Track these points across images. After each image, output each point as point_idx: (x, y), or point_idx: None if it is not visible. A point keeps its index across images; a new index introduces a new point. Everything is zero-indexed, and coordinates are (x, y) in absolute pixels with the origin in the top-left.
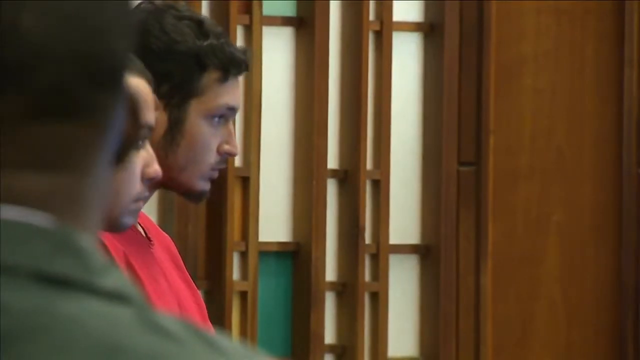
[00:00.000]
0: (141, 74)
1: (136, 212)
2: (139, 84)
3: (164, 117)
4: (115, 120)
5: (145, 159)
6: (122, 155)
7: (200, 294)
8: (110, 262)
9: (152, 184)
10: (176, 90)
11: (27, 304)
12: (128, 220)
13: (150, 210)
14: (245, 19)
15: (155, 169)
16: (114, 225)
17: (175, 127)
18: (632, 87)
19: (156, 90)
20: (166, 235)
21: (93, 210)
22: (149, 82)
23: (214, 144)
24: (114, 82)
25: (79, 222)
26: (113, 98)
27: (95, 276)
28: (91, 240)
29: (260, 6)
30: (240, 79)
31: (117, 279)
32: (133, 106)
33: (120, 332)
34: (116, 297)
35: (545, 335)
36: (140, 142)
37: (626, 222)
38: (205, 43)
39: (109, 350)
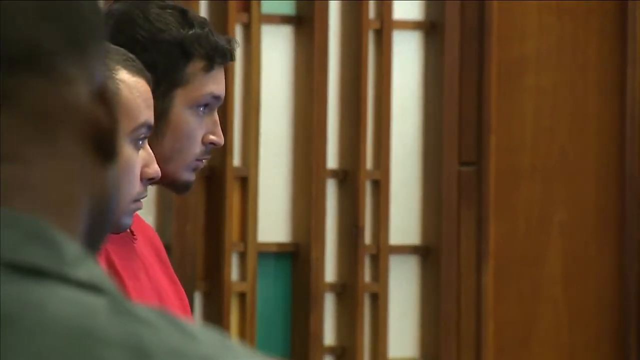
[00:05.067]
0: (140, 73)
1: (134, 212)
2: (137, 83)
3: None
4: (55, 109)
5: (144, 159)
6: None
7: (183, 288)
8: (85, 254)
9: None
10: (161, 80)
11: None
12: (127, 221)
13: (148, 210)
14: (244, 17)
15: (155, 168)
16: (113, 226)
17: (160, 117)
18: (634, 86)
19: None
20: (150, 227)
21: (63, 203)
22: (148, 81)
23: (199, 134)
24: (35, 66)
25: (41, 214)
26: (39, 84)
27: (68, 266)
28: (65, 232)
29: (259, 5)
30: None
31: (91, 270)
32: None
33: (92, 317)
34: (89, 287)
35: (547, 336)
36: (140, 142)
37: (629, 221)
38: (190, 32)
39: (79, 334)
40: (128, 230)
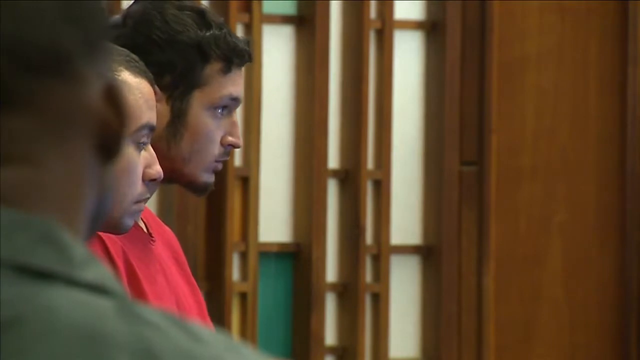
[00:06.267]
0: (142, 74)
1: (137, 213)
2: (139, 84)
3: (166, 109)
4: (70, 110)
5: (146, 160)
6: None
7: (200, 291)
8: (93, 255)
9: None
10: (179, 81)
11: (8, 295)
12: (129, 222)
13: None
14: (245, 17)
15: (157, 169)
16: (114, 227)
17: (178, 118)
18: (635, 86)
19: (158, 81)
20: (168, 229)
21: (71, 203)
22: (151, 82)
23: (217, 135)
24: (57, 69)
25: (52, 216)
26: (59, 86)
27: (76, 269)
28: (72, 234)
29: (260, 4)
30: (242, 73)
31: (99, 272)
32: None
33: (100, 320)
34: (97, 289)
35: (548, 336)
36: (142, 143)
37: (630, 222)
38: (208, 33)
39: (88, 337)
40: (146, 232)
